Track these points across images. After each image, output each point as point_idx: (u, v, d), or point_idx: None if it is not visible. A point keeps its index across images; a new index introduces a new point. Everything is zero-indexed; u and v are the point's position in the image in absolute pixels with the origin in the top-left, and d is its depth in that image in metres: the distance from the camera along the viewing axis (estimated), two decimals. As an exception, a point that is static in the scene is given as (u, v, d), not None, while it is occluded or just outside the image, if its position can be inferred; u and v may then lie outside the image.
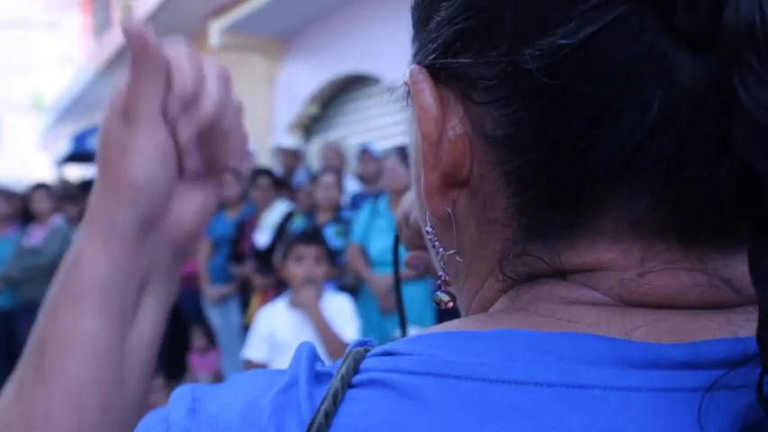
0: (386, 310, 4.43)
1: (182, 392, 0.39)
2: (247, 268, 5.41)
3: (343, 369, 0.36)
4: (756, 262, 0.31)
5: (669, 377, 0.33)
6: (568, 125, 0.35)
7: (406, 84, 0.42)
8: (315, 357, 0.39)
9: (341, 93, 8.49)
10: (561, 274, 0.38)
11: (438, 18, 0.40)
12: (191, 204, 0.63)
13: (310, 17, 8.21)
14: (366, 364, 0.37)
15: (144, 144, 0.56)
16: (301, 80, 8.74)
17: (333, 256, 3.58)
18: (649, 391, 0.33)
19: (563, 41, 0.34)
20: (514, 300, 0.40)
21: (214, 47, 8.94)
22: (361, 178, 5.73)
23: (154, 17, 10.13)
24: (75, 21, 21.42)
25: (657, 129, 0.34)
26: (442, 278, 0.46)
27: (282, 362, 3.19)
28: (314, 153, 7.35)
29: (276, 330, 3.27)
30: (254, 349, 3.27)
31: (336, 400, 0.34)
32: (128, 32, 0.55)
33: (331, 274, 3.56)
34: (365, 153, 5.70)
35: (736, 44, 0.31)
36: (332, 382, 0.35)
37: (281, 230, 5.12)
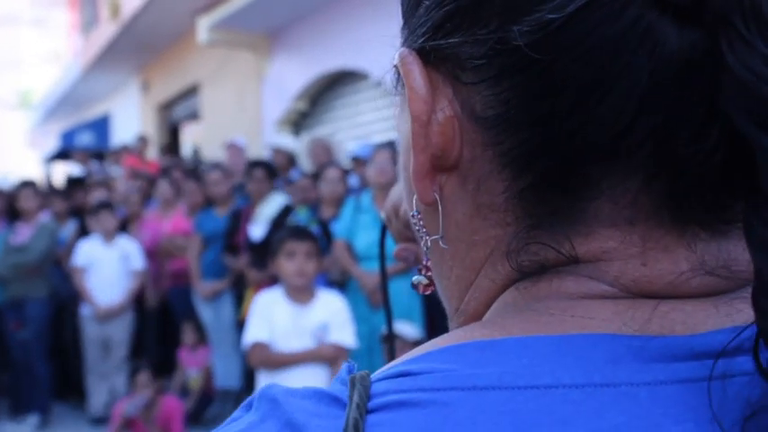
0: (375, 306, 4.43)
1: None
2: (242, 261, 5.37)
3: (356, 396, 0.34)
4: (752, 229, 0.32)
5: (690, 368, 0.33)
6: (559, 101, 0.35)
7: (395, 67, 0.42)
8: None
9: (329, 89, 8.47)
10: (570, 263, 0.38)
11: (427, 3, 0.40)
12: None
13: (299, 13, 8.19)
14: (378, 387, 0.35)
15: None
16: (290, 76, 8.72)
17: (322, 253, 3.59)
18: (675, 383, 0.33)
19: (551, 16, 0.34)
20: (520, 297, 0.40)
21: (202, 43, 8.90)
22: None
23: (141, 13, 10.08)
24: (63, 17, 21.28)
25: (647, 101, 0.34)
26: (424, 263, 0.46)
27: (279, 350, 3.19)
28: (302, 149, 7.34)
29: (274, 319, 3.26)
30: (257, 331, 3.24)
31: (359, 429, 0.33)
32: None
33: (321, 269, 3.56)
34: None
35: (723, 9, 0.32)
36: (347, 412, 0.34)
37: (277, 224, 5.02)
